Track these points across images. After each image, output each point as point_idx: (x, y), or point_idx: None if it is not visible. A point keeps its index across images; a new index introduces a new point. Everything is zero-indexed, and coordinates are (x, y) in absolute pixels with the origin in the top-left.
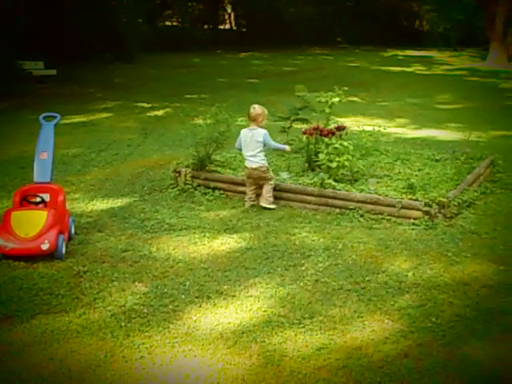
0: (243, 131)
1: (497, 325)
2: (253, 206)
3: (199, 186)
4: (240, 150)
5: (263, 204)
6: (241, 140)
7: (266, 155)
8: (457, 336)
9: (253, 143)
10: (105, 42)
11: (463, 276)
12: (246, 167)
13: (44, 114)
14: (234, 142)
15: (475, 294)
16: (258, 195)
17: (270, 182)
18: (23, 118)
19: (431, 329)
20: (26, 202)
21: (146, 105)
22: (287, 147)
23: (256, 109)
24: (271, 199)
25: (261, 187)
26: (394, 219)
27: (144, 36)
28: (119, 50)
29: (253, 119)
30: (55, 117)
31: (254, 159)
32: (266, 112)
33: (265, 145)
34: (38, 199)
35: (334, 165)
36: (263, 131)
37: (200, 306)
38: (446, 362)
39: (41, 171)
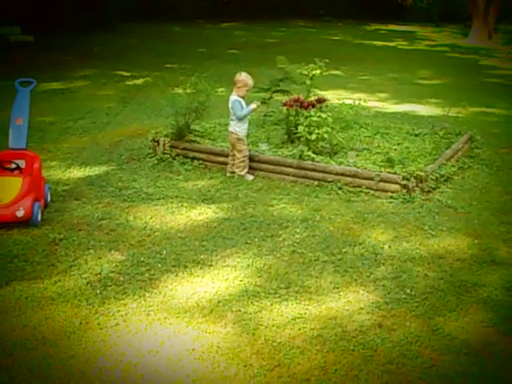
0: None
1: (469, 297)
2: (233, 174)
3: (178, 155)
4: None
5: (237, 172)
6: None
7: (239, 124)
8: (430, 307)
9: (229, 109)
10: (82, 10)
11: (438, 249)
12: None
13: (19, 80)
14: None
15: (449, 266)
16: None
17: (238, 156)
18: None
19: (405, 300)
20: (0, 168)
21: (125, 73)
22: (254, 105)
23: (241, 75)
24: (244, 171)
25: None
26: (372, 192)
27: (123, 4)
28: (98, 19)
29: (234, 83)
30: (31, 82)
31: (230, 124)
32: (250, 82)
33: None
34: (14, 165)
35: (313, 137)
36: (232, 98)
37: (176, 275)
38: (418, 333)
39: (16, 137)
